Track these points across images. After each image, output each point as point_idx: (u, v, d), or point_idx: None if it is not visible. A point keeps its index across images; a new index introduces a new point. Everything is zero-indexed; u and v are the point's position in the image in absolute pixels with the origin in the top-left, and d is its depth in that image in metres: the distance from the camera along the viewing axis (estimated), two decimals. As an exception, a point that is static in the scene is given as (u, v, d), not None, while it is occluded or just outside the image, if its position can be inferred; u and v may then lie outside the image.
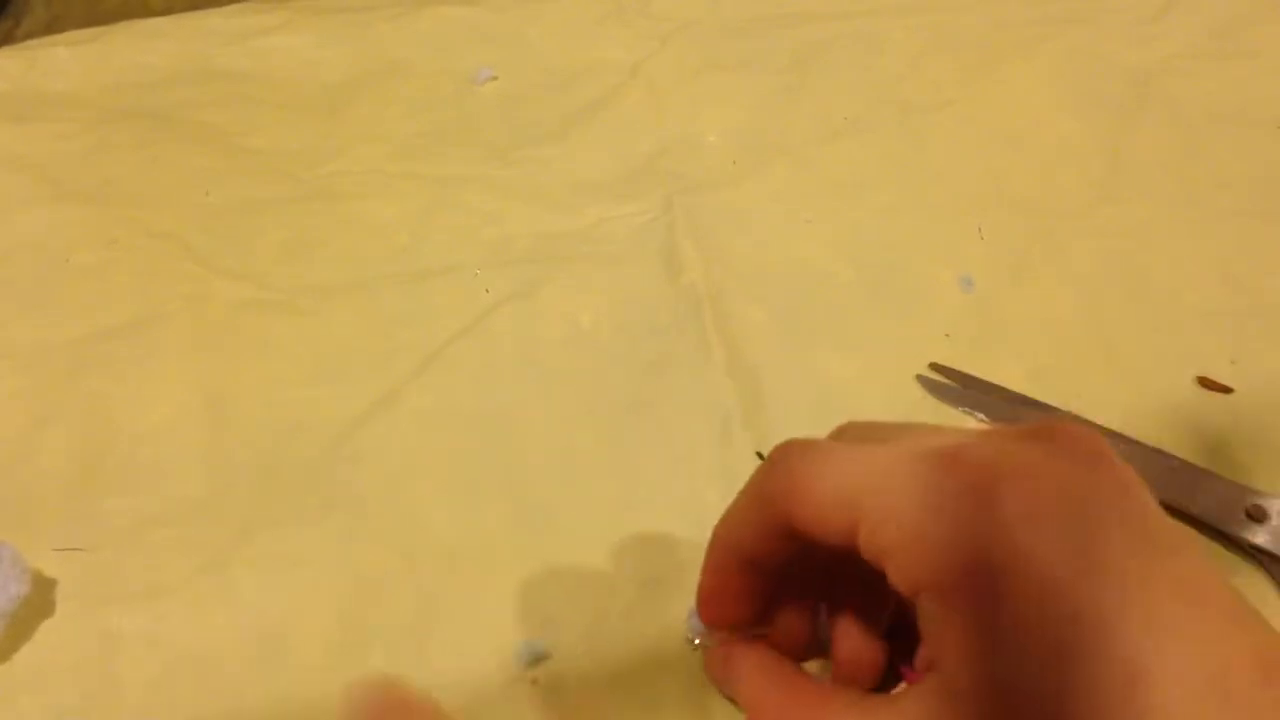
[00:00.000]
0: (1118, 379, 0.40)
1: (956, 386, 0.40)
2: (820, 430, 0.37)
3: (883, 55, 0.54)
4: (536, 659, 0.33)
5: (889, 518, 0.21)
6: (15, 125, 0.50)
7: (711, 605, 0.28)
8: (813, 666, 0.29)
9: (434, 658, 0.33)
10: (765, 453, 0.37)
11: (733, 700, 0.30)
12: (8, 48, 0.54)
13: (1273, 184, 0.47)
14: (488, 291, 0.43)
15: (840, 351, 0.41)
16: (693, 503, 0.37)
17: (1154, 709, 0.18)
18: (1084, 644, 0.19)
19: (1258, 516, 0.35)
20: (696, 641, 0.33)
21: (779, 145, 0.50)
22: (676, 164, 0.49)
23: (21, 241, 0.45)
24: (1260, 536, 0.35)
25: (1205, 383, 0.40)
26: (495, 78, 0.53)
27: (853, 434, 0.26)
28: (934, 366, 0.41)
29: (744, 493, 0.26)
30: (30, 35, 0.56)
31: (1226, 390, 0.40)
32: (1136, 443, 0.38)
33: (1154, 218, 0.46)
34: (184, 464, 0.38)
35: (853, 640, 0.27)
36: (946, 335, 0.42)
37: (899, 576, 0.21)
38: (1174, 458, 0.37)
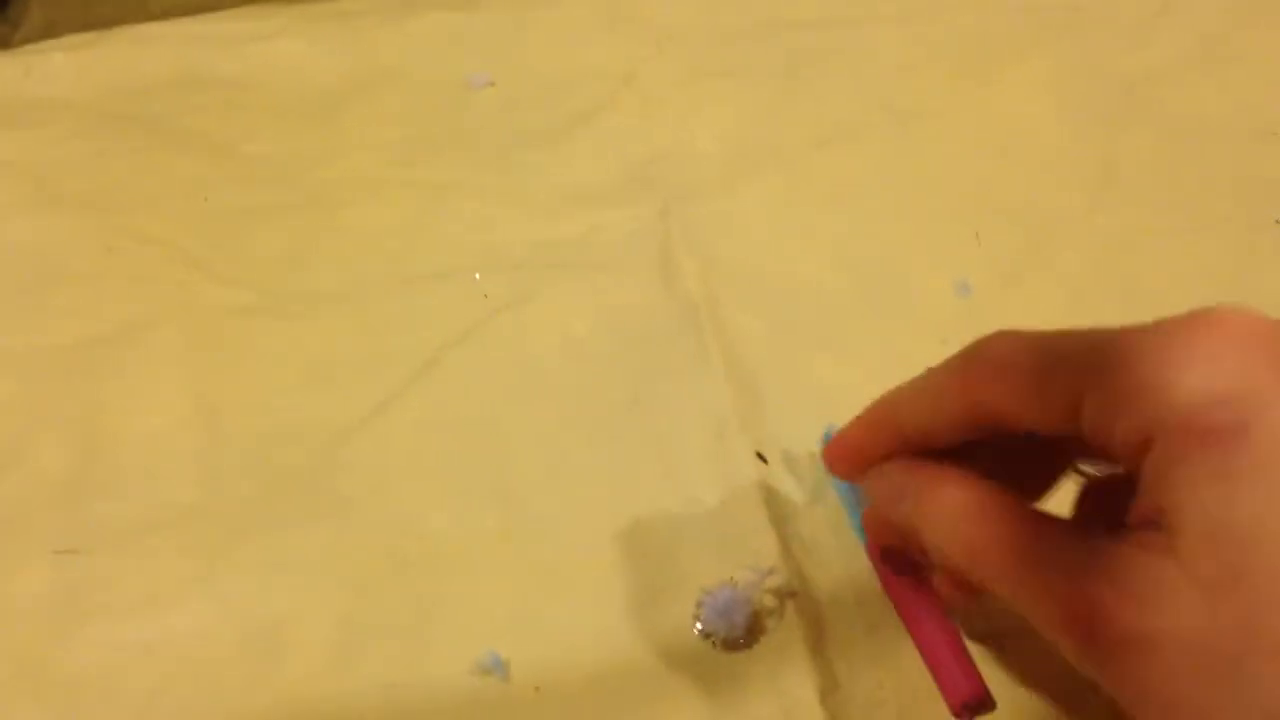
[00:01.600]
0: (1112, 385, 0.40)
1: (951, 392, 0.40)
2: (817, 432, 0.37)
3: (876, 63, 0.54)
4: (532, 665, 0.33)
5: (1125, 368, 0.21)
6: (10, 130, 0.50)
7: (846, 461, 0.28)
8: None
9: (429, 662, 0.33)
10: (765, 455, 0.38)
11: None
12: (3, 52, 0.54)
13: (1265, 191, 0.48)
14: (485, 297, 0.43)
15: (836, 357, 0.41)
16: (689, 510, 0.37)
17: None
18: None
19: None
20: (705, 633, 0.33)
21: (773, 151, 0.50)
22: (671, 171, 0.49)
23: (16, 247, 0.45)
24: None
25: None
26: (490, 84, 0.53)
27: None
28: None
29: (933, 377, 0.26)
30: (26, 40, 0.55)
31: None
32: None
33: (1146, 224, 0.46)
34: (178, 469, 0.38)
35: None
36: (942, 341, 0.42)
37: (1134, 425, 0.21)
38: (1168, 463, 0.37)
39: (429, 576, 0.35)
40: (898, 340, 0.42)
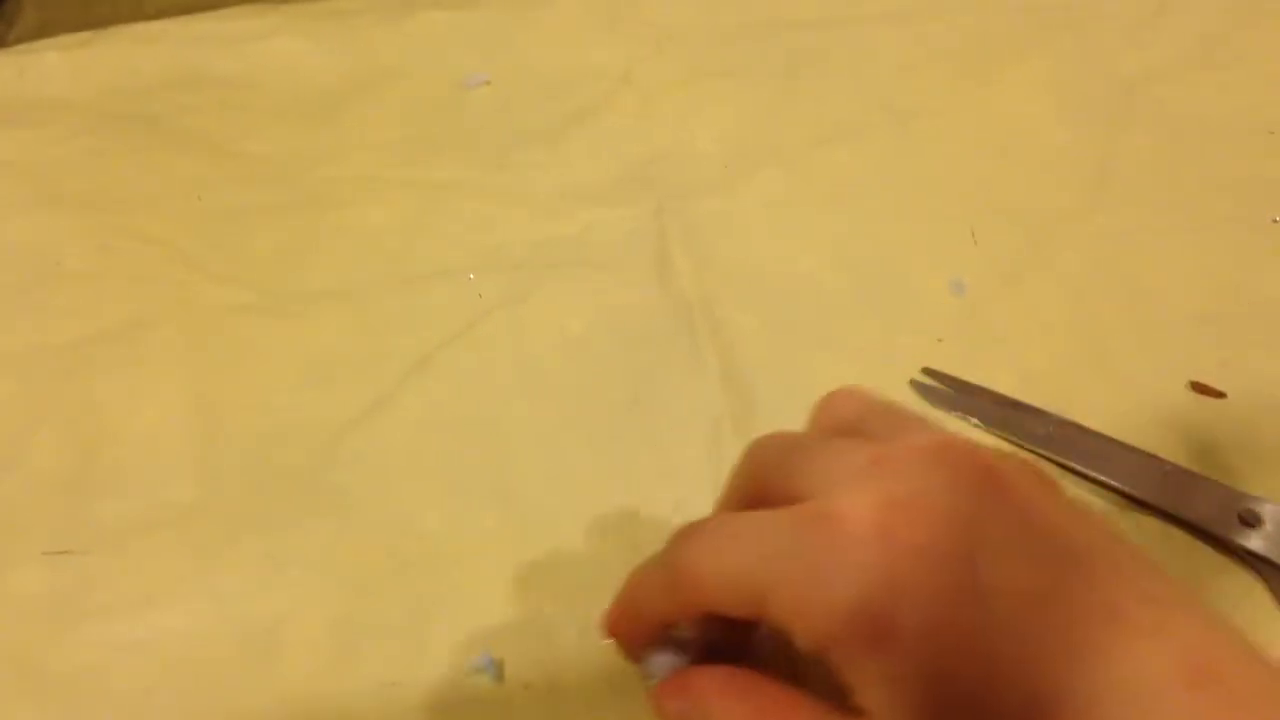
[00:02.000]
0: (1109, 383, 0.40)
1: (949, 391, 0.40)
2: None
3: (874, 62, 0.54)
4: (528, 665, 0.33)
5: (785, 582, 0.22)
6: (6, 130, 0.50)
7: (625, 640, 0.28)
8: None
9: (425, 661, 0.33)
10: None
11: None
12: (-1, 52, 0.54)
13: (1263, 189, 0.48)
14: (480, 297, 0.43)
15: (832, 356, 0.41)
16: (684, 508, 0.37)
17: None
18: (998, 678, 0.19)
19: (1251, 521, 0.35)
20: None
21: (771, 151, 0.50)
22: (668, 170, 0.49)
23: (12, 246, 0.45)
24: (1254, 541, 0.35)
25: (1199, 388, 0.40)
26: (488, 83, 0.53)
27: (825, 424, 0.28)
28: (926, 371, 0.41)
29: (652, 568, 0.27)
30: (21, 39, 0.55)
31: (1220, 395, 0.40)
32: (1128, 447, 0.38)
33: (1144, 223, 0.46)
34: (175, 468, 0.38)
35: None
36: (939, 340, 0.42)
37: (806, 638, 0.22)
38: (1166, 463, 0.37)
39: (427, 576, 0.35)
40: (894, 340, 0.42)
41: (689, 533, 0.26)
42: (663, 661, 0.28)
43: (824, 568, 0.21)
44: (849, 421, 0.27)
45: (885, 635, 0.20)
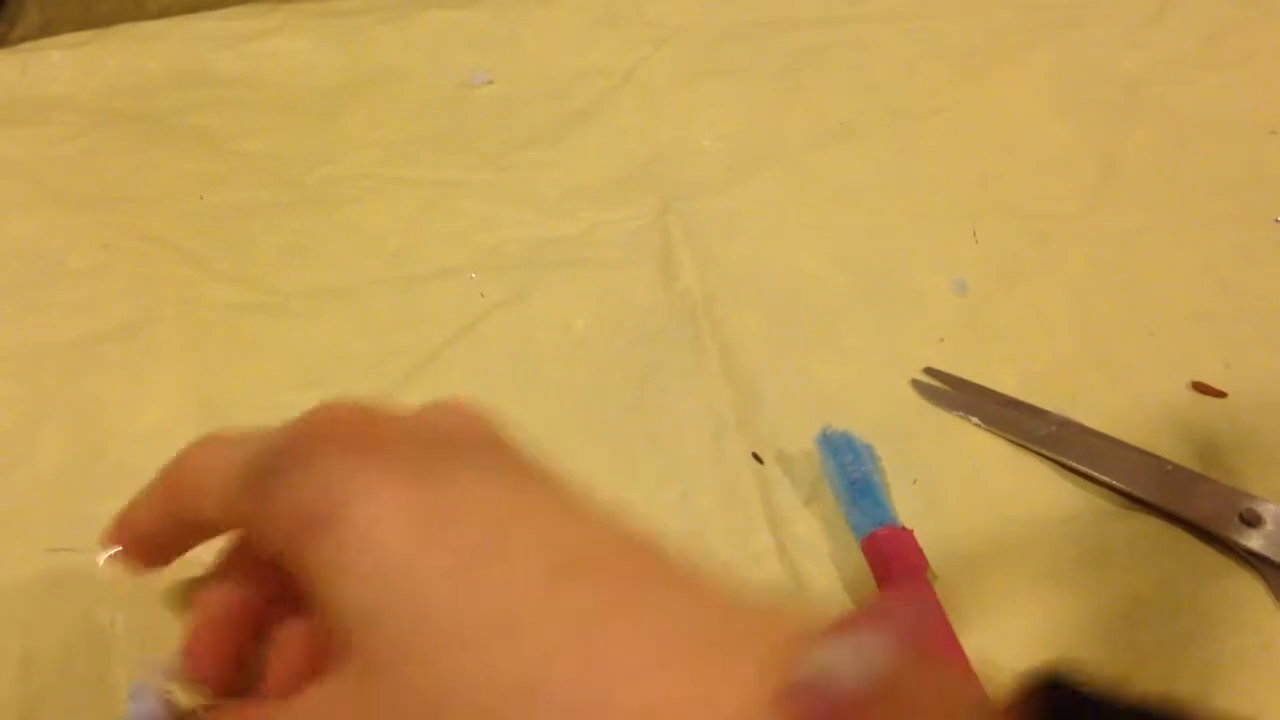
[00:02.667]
0: (1111, 382, 0.41)
1: (951, 390, 0.40)
2: (813, 431, 0.37)
3: (876, 61, 0.54)
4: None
5: (266, 480, 0.22)
6: (9, 129, 0.50)
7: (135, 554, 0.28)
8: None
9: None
10: (761, 454, 0.38)
11: None
12: (1, 51, 0.54)
13: (1264, 188, 0.48)
14: (483, 296, 0.43)
15: (834, 356, 0.41)
16: (687, 506, 0.37)
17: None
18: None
19: (1251, 521, 0.35)
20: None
21: (773, 150, 0.50)
22: (671, 169, 0.49)
23: (15, 245, 0.45)
24: (1254, 541, 0.35)
25: (1200, 387, 0.40)
26: (490, 82, 0.53)
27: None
28: (928, 371, 0.41)
29: (149, 489, 0.27)
30: (24, 38, 0.55)
31: (1221, 395, 0.40)
32: (1130, 447, 0.38)
33: (1146, 222, 0.46)
34: (177, 468, 0.38)
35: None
36: (941, 339, 0.42)
37: (263, 536, 0.22)
38: (1167, 462, 0.37)
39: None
40: (895, 339, 0.42)
41: (193, 447, 0.26)
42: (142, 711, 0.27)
43: (281, 463, 0.22)
44: None
45: (328, 522, 0.20)
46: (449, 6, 0.57)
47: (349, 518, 0.20)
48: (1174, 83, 0.53)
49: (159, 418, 0.39)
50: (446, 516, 0.20)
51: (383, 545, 0.19)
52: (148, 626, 0.34)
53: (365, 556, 0.19)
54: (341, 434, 0.22)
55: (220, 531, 0.25)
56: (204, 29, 0.55)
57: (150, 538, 0.27)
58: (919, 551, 0.34)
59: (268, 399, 0.40)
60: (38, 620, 0.34)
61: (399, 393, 0.40)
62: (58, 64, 0.53)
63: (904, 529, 0.35)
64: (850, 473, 0.36)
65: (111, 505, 0.37)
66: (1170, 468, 0.37)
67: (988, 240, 0.46)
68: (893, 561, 0.34)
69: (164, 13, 0.57)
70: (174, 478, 0.26)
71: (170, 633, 0.33)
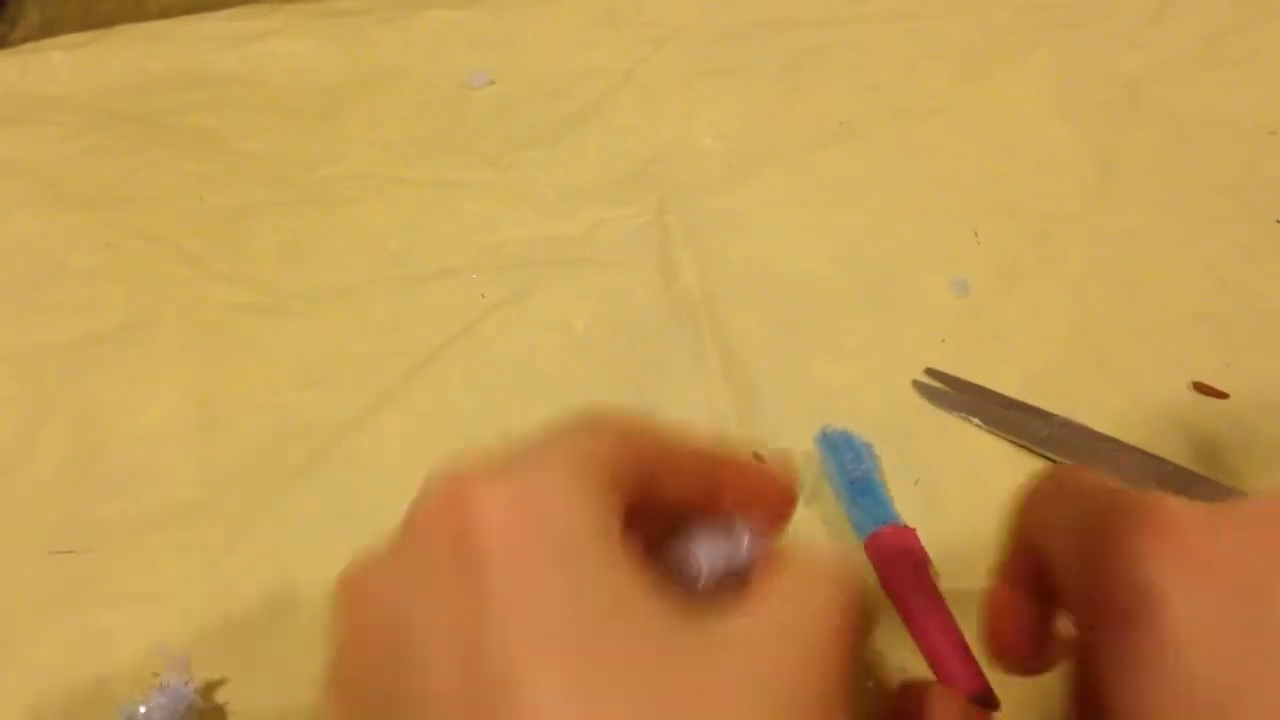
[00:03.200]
0: (1112, 383, 0.40)
1: (951, 391, 0.40)
2: (813, 431, 0.37)
3: (876, 61, 0.54)
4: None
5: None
6: (9, 129, 0.50)
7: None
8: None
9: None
10: (761, 455, 0.38)
11: None
12: (2, 51, 0.54)
13: (1265, 188, 0.48)
14: (483, 296, 0.43)
15: (835, 356, 0.41)
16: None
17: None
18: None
19: (1252, 521, 0.35)
20: None
21: (773, 150, 0.50)
22: (671, 169, 0.49)
23: (16, 245, 0.45)
24: (1254, 541, 0.35)
25: (1201, 388, 0.40)
26: (490, 82, 0.53)
27: None
28: (929, 372, 0.41)
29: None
30: (25, 39, 0.55)
31: (1222, 395, 0.40)
32: (1131, 447, 0.38)
33: (1147, 222, 0.46)
34: (177, 467, 0.38)
35: None
36: (941, 340, 0.42)
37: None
38: (1168, 462, 0.37)
39: (428, 575, 0.35)
40: (896, 340, 0.42)
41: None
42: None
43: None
44: None
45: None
46: (449, 6, 0.57)
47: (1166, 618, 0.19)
48: (1174, 83, 0.53)
49: (159, 418, 0.39)
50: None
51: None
52: (149, 628, 0.34)
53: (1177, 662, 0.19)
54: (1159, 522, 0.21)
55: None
56: (204, 29, 0.55)
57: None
58: (922, 550, 0.34)
59: (268, 399, 0.40)
60: (38, 620, 0.34)
61: (399, 393, 0.40)
62: (58, 64, 0.53)
63: (906, 527, 0.35)
64: (850, 471, 0.36)
65: (113, 505, 0.37)
66: (1171, 468, 0.37)
67: (988, 240, 0.46)
68: (896, 560, 0.33)
69: (164, 13, 0.57)
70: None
71: (170, 634, 0.33)
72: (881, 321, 0.43)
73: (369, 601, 0.20)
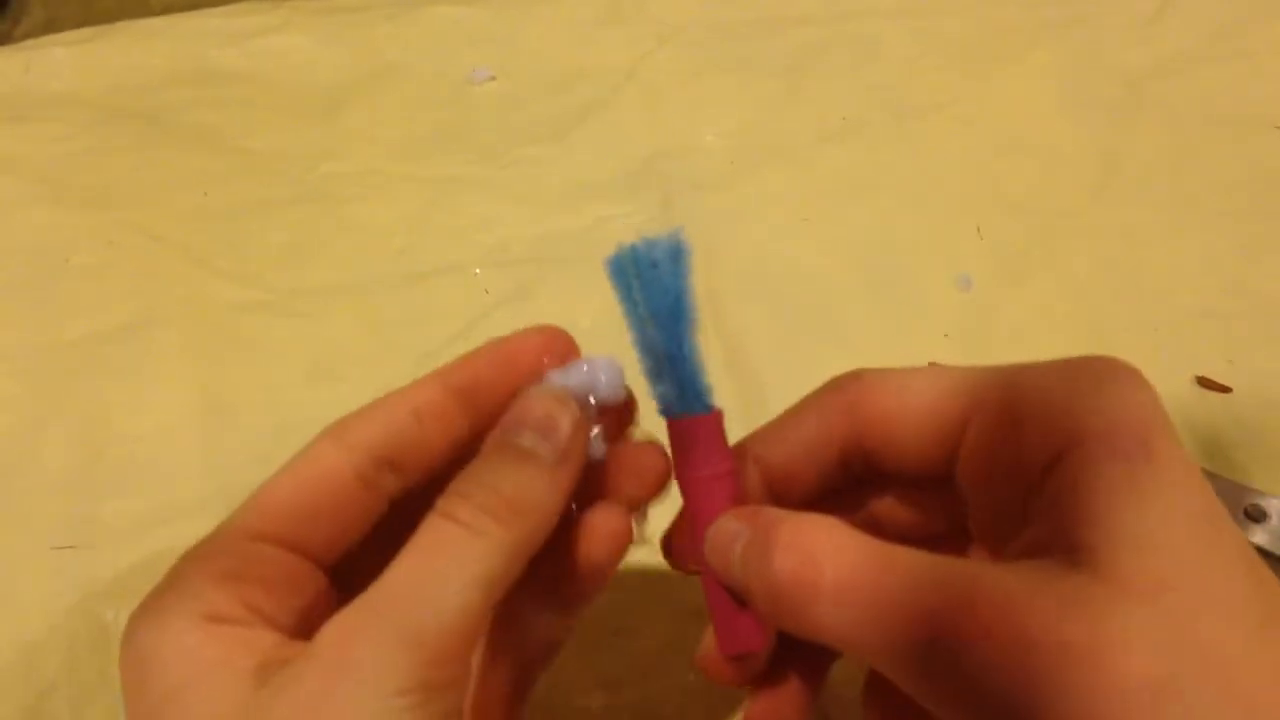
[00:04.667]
0: (1115, 379, 0.40)
1: (955, 387, 0.40)
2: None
3: (879, 58, 0.54)
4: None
5: (1031, 392, 0.22)
6: (12, 126, 0.50)
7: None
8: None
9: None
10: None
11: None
12: (5, 48, 0.54)
13: (1268, 185, 0.48)
14: (487, 292, 0.43)
15: (839, 351, 0.41)
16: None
17: None
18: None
19: (1256, 516, 0.35)
20: None
21: (776, 147, 0.50)
22: (674, 165, 0.49)
23: (19, 243, 0.45)
24: (1259, 536, 0.35)
25: (1204, 383, 0.40)
26: (493, 79, 0.53)
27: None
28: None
29: (802, 405, 0.26)
30: (28, 35, 0.55)
31: (1225, 390, 0.40)
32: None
33: (1150, 218, 0.46)
34: (181, 465, 0.38)
35: None
36: (945, 335, 0.42)
37: (1042, 441, 0.21)
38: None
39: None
40: (899, 335, 0.42)
41: (858, 371, 0.26)
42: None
43: (1082, 385, 0.22)
44: None
45: (1145, 451, 0.20)
46: (451, 3, 0.57)
47: (1161, 448, 0.20)
48: (1177, 79, 0.53)
49: (163, 415, 0.39)
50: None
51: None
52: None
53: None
54: (1135, 378, 0.22)
55: None
56: (207, 26, 0.55)
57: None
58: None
59: (271, 396, 0.40)
60: (42, 617, 0.34)
61: (403, 389, 0.40)
62: (61, 61, 0.53)
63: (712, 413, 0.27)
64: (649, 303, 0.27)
65: (116, 503, 0.37)
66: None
67: (991, 236, 0.46)
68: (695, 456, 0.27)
69: (167, 10, 0.57)
70: (852, 387, 0.26)
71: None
72: (885, 317, 0.43)
73: None
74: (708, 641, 0.25)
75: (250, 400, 0.40)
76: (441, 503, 0.22)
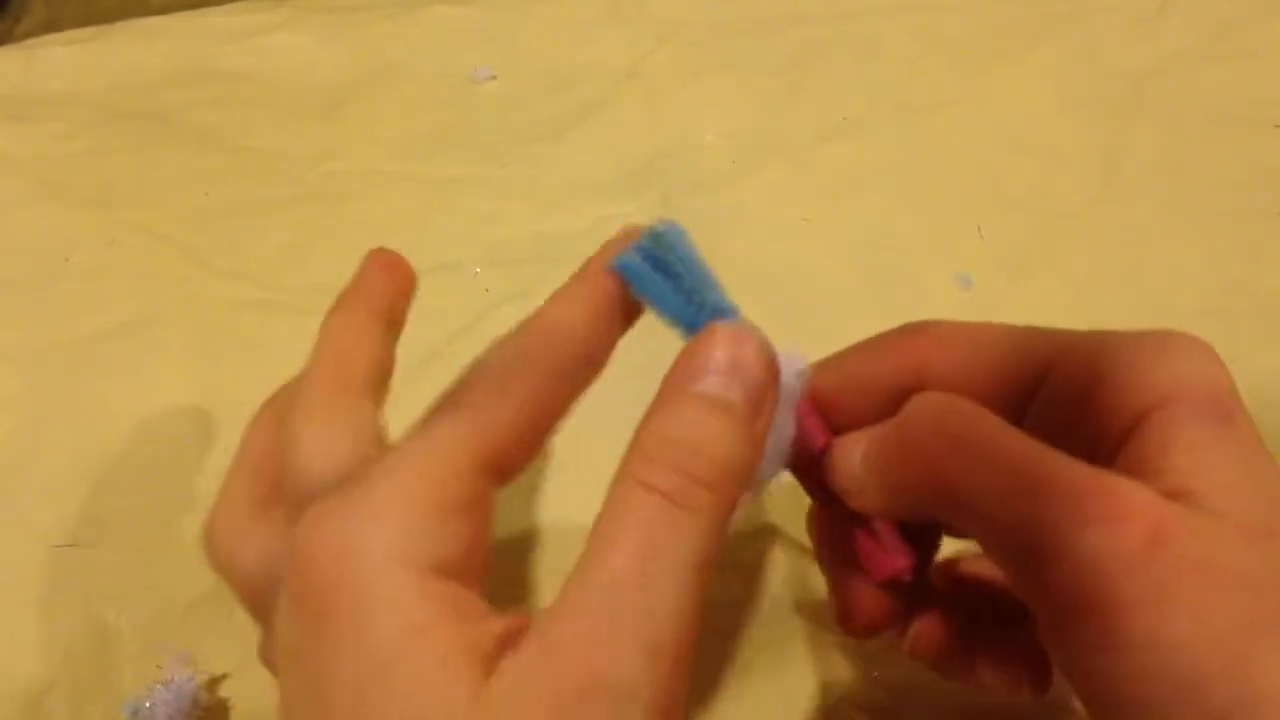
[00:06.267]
0: (1115, 379, 0.40)
1: (954, 387, 0.40)
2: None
3: (880, 56, 0.54)
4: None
5: (1115, 352, 0.23)
6: (13, 125, 0.50)
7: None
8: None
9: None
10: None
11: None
12: (6, 47, 0.54)
13: (1268, 184, 0.47)
14: (486, 291, 0.43)
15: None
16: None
17: None
18: None
19: (1255, 516, 0.35)
20: None
21: (777, 146, 0.50)
22: (674, 164, 0.49)
23: (20, 242, 0.45)
24: (1258, 536, 0.34)
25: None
26: (493, 78, 0.53)
27: None
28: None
29: (869, 343, 0.27)
30: (29, 34, 0.56)
31: (1224, 390, 0.40)
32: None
33: (1150, 217, 0.46)
34: (182, 464, 0.38)
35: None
36: (944, 335, 0.42)
37: (1128, 401, 0.22)
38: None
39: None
40: (901, 334, 0.42)
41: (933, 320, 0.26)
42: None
43: (1168, 354, 0.24)
44: None
45: (1228, 416, 0.22)
46: (451, 3, 0.57)
47: (1240, 417, 0.22)
48: (1179, 77, 0.53)
49: (162, 414, 0.39)
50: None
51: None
52: (151, 623, 0.34)
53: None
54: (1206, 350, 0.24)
55: None
56: (207, 25, 0.55)
57: None
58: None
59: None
60: (42, 616, 0.34)
61: (402, 389, 0.40)
62: (62, 60, 0.53)
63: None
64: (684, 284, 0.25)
65: (116, 501, 0.37)
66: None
67: (992, 235, 0.46)
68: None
69: (167, 9, 0.57)
70: (922, 332, 0.27)
71: (173, 630, 0.34)
72: (885, 316, 0.42)
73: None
74: (841, 601, 0.26)
75: (251, 399, 0.40)
76: (634, 467, 0.20)
